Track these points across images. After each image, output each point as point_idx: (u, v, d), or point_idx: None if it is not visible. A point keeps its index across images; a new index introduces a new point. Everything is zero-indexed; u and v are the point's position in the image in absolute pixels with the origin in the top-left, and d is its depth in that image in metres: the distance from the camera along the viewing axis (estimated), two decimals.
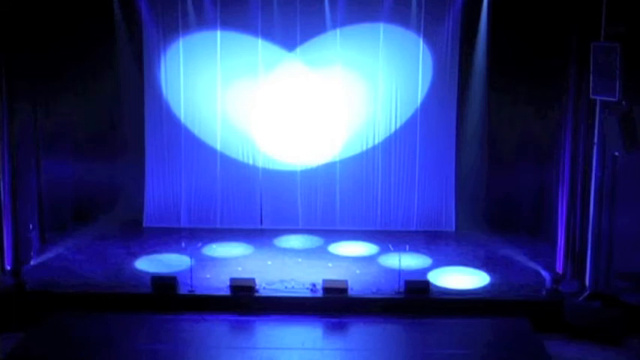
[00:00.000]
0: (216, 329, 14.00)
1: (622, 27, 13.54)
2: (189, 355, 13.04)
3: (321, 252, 17.03)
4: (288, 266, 16.00)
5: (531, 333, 13.62)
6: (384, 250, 16.70)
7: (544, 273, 15.45)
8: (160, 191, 18.47)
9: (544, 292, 14.68)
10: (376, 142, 18.18)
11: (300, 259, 16.44)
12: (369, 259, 16.56)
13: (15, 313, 14.04)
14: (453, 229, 18.28)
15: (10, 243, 15.30)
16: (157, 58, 17.97)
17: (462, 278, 15.43)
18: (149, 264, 16.09)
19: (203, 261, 16.09)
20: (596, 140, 14.40)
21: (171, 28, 17.74)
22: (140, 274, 15.47)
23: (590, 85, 13.91)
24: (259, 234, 18.00)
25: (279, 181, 18.42)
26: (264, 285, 14.74)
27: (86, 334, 13.43)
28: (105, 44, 17.55)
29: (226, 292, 14.56)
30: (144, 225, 18.44)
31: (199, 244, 16.70)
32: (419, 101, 17.95)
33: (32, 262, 15.85)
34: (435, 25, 17.52)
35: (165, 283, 14.64)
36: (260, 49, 17.80)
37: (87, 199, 18.37)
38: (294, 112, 18.09)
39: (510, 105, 17.55)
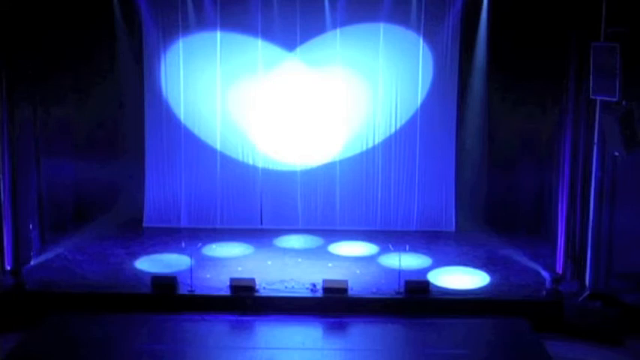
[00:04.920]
0: (216, 329, 13.99)
1: (622, 27, 13.53)
2: (189, 355, 13.04)
3: (321, 252, 17.02)
4: (288, 266, 15.99)
5: (531, 333, 13.61)
6: (384, 250, 16.70)
7: (544, 273, 15.43)
8: (160, 191, 18.47)
9: (544, 293, 14.67)
10: (376, 142, 18.19)
11: (300, 259, 16.44)
12: (369, 259, 16.55)
13: (15, 313, 14.04)
14: (453, 229, 18.28)
15: (10, 243, 15.29)
16: (157, 58, 17.98)
17: (462, 278, 15.43)
18: (149, 264, 16.09)
19: (203, 261, 16.09)
20: (596, 140, 14.39)
21: (171, 28, 17.74)
22: (140, 274, 15.47)
23: (590, 85, 13.89)
24: (259, 234, 18.00)
25: (279, 181, 18.43)
26: (264, 285, 14.74)
27: (86, 334, 13.42)
28: (105, 44, 17.57)
29: (226, 292, 14.57)
30: (144, 225, 18.45)
31: (199, 244, 16.70)
32: (419, 101, 17.96)
33: (32, 262, 15.84)
34: (435, 25, 17.53)
35: (165, 283, 14.65)
36: (260, 49, 17.80)
37: (87, 199, 18.38)
38: (294, 112, 18.09)
39: (510, 105, 17.55)
